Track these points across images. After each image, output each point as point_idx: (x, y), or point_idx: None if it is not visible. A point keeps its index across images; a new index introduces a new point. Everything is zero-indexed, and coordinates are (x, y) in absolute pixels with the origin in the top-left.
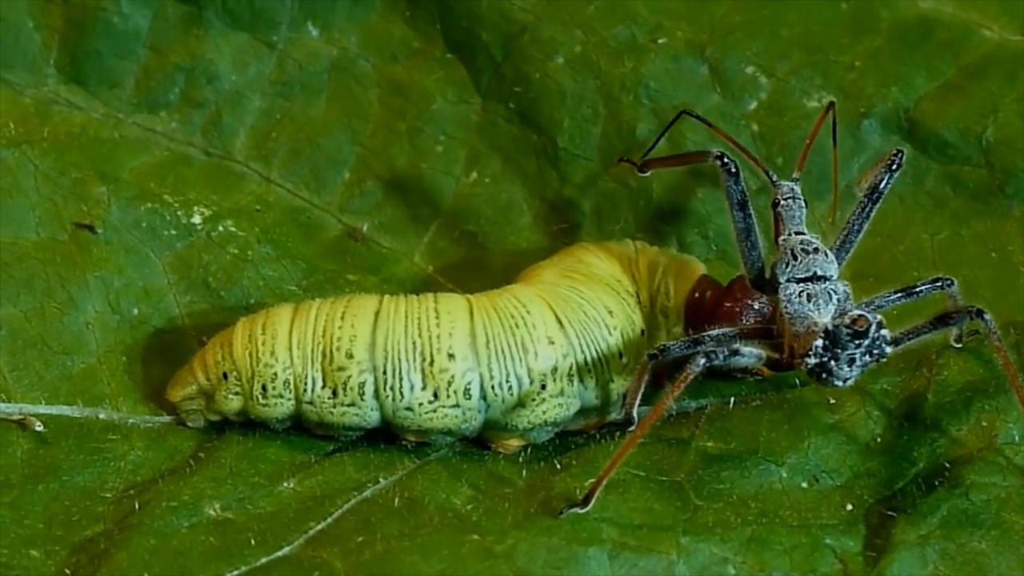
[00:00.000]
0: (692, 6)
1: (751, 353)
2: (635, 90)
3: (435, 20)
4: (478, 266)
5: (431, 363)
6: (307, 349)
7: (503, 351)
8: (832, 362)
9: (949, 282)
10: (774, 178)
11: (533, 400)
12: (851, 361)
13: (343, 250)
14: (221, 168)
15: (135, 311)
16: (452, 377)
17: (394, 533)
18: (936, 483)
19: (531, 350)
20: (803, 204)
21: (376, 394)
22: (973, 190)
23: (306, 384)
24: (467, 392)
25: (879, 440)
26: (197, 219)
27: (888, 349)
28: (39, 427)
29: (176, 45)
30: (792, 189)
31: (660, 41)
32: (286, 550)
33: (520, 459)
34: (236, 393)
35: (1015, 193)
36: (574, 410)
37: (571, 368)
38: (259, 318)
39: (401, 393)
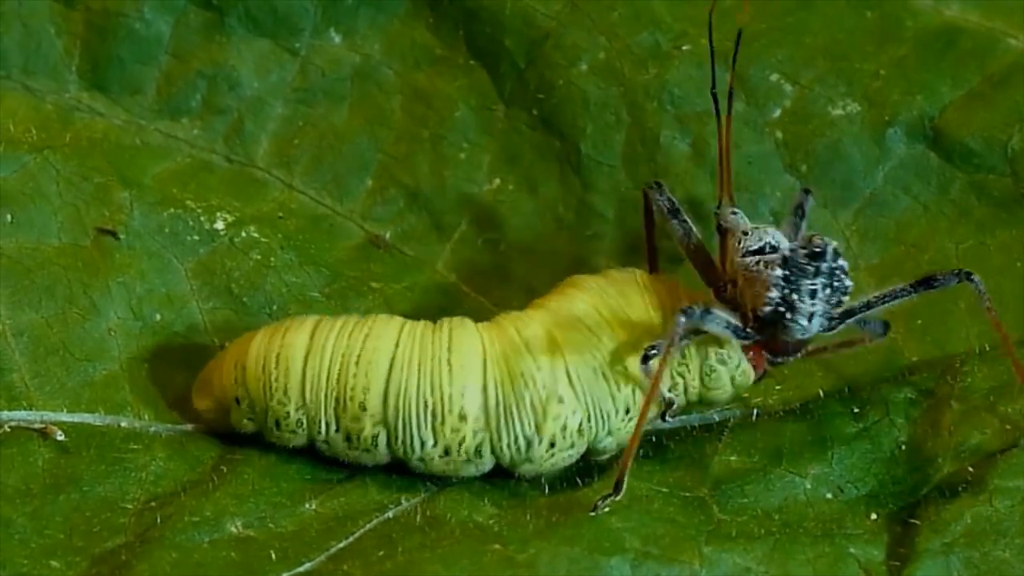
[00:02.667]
0: (716, 13)
1: (722, 318)
2: (659, 97)
3: (458, 27)
4: (501, 273)
5: (442, 422)
6: (320, 394)
7: (513, 414)
8: (794, 295)
9: (972, 277)
10: (715, 211)
11: (543, 455)
12: (812, 293)
13: (366, 257)
14: (243, 175)
15: (157, 317)
16: (463, 438)
17: (415, 546)
18: (960, 489)
19: (540, 411)
20: (744, 216)
21: (389, 445)
22: (998, 199)
23: (319, 427)
24: (478, 451)
25: (904, 448)
26: (220, 225)
27: (848, 282)
28: (60, 436)
29: (198, 51)
30: (731, 208)
31: (684, 48)
32: (307, 566)
33: (542, 478)
34: (250, 419)
35: None
36: (583, 451)
37: (580, 424)
38: (275, 344)
39: (412, 448)
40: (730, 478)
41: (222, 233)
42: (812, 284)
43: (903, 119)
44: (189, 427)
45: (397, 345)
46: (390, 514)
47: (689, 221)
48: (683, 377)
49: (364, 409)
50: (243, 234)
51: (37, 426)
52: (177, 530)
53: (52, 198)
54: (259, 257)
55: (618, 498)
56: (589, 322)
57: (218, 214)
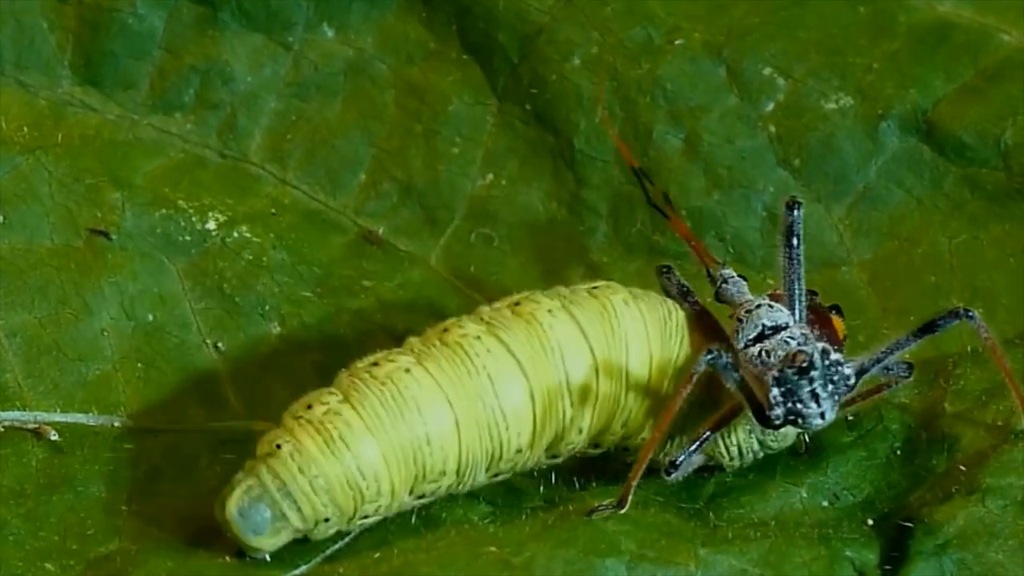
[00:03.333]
0: (710, 8)
1: (744, 393)
2: (652, 92)
3: (451, 21)
4: (494, 268)
5: (500, 459)
6: (406, 483)
7: (551, 443)
8: (798, 404)
9: (970, 314)
10: (710, 271)
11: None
12: (814, 396)
13: (359, 254)
14: (236, 170)
15: (150, 318)
16: (514, 466)
17: (411, 547)
18: (953, 490)
19: (566, 440)
20: (740, 280)
21: (447, 488)
22: (991, 193)
23: (397, 499)
24: (521, 468)
25: (899, 453)
26: (212, 225)
27: (848, 371)
28: (54, 436)
29: (191, 46)
30: (723, 275)
31: (677, 42)
32: (303, 568)
33: (537, 475)
34: (334, 526)
35: None
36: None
37: (591, 445)
38: (347, 461)
39: (467, 484)
40: (726, 491)
41: (214, 233)
42: (811, 389)
43: (896, 113)
44: (182, 427)
45: (452, 406)
46: (385, 514)
47: (699, 303)
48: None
49: (444, 474)
50: (235, 234)
51: (31, 426)
52: (172, 537)
53: (44, 199)
54: (251, 257)
55: (621, 512)
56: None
57: (210, 214)
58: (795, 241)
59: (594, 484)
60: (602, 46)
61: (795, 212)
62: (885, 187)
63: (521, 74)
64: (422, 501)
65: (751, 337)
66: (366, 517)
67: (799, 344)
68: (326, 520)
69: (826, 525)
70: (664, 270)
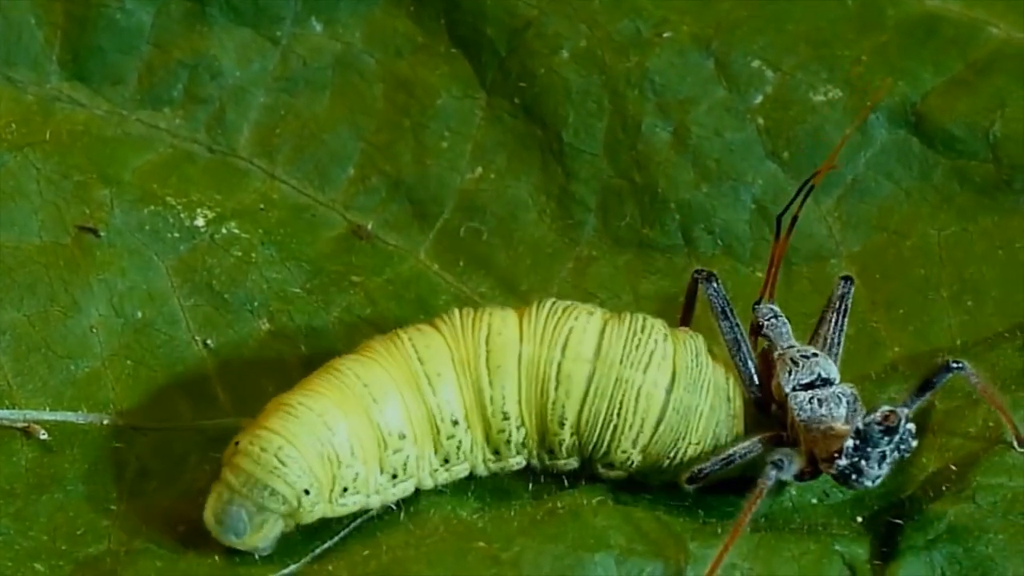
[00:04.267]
0: (698, 1)
1: (796, 466)
2: (640, 84)
3: (439, 15)
4: (483, 262)
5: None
6: (370, 447)
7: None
8: (863, 461)
9: (960, 366)
10: (754, 305)
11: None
12: (881, 459)
13: (347, 250)
14: (225, 165)
15: (139, 315)
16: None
17: (400, 544)
18: (943, 488)
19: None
20: (786, 320)
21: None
22: (980, 185)
23: (372, 472)
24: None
25: None
26: (200, 221)
27: (914, 443)
28: (43, 435)
29: (179, 41)
30: (772, 309)
31: (665, 35)
32: (293, 567)
33: (526, 474)
34: (318, 502)
35: (1022, 188)
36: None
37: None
38: (307, 414)
39: (433, 463)
40: (714, 488)
41: (203, 230)
42: (882, 451)
43: (885, 105)
44: (172, 425)
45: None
46: (373, 512)
47: (741, 325)
48: None
49: (403, 438)
50: (224, 230)
51: (20, 425)
52: (161, 540)
53: (32, 196)
54: (240, 253)
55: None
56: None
57: (198, 210)
58: (843, 310)
59: (583, 482)
60: (590, 39)
61: (848, 287)
62: (874, 179)
63: (509, 68)
64: (402, 487)
65: (803, 383)
66: (345, 491)
67: (851, 401)
68: (307, 493)
69: (816, 521)
70: (707, 276)
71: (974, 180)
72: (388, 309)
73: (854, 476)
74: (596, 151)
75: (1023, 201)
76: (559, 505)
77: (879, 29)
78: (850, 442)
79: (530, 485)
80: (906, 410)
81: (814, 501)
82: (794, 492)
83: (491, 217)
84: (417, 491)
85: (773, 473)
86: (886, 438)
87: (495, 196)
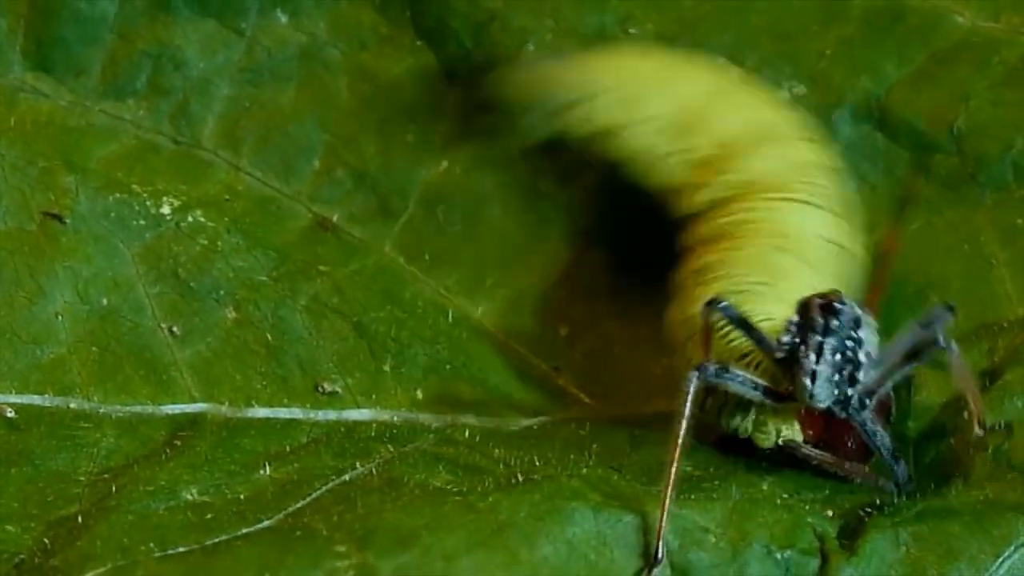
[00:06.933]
0: None
1: (746, 377)
2: None
3: (404, 7)
4: (449, 256)
5: None
6: None
7: None
8: (802, 346)
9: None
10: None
11: None
12: (819, 350)
13: (313, 240)
14: (190, 157)
15: (104, 301)
16: None
17: (375, 503)
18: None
19: None
20: None
21: None
22: (945, 178)
23: None
24: None
25: None
26: (166, 209)
27: (862, 356)
28: (10, 413)
29: (143, 31)
30: None
31: (631, 31)
32: (266, 523)
33: (497, 453)
34: None
35: (987, 181)
36: None
37: None
38: None
39: None
40: (687, 478)
41: (168, 217)
42: (819, 341)
43: (849, 99)
44: (139, 408)
45: None
46: (347, 476)
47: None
48: None
49: None
50: (189, 218)
51: None
52: (133, 499)
53: None
54: (206, 242)
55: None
56: None
57: (164, 198)
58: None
59: (553, 462)
60: (555, 33)
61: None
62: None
63: (475, 61)
64: None
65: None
66: None
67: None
68: None
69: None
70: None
71: (939, 173)
72: (355, 298)
73: (793, 365)
74: (563, 146)
75: (987, 194)
76: (533, 476)
77: (844, 20)
78: (795, 317)
79: (501, 466)
80: (857, 313)
81: (785, 496)
82: (765, 488)
83: (456, 211)
84: (390, 461)
85: (694, 377)
86: (822, 318)
87: (461, 189)
